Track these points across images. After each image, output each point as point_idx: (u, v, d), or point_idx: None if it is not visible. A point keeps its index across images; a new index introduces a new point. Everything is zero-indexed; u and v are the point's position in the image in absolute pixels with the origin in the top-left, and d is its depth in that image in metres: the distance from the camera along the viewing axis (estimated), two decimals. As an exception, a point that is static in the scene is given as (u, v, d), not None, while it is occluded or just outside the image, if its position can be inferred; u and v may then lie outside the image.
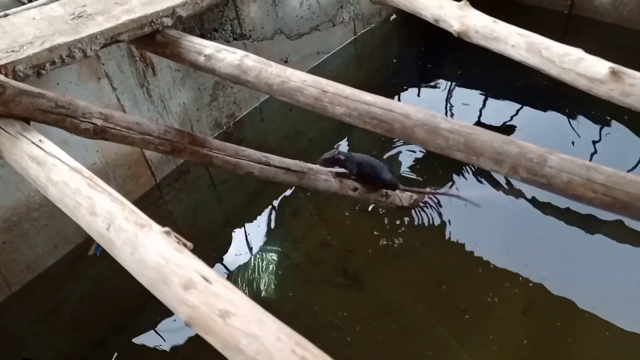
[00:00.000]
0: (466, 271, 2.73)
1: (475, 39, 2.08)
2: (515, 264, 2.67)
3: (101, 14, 2.04)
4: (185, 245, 1.33)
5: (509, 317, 2.51)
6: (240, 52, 1.99)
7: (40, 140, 1.61)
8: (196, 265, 1.23)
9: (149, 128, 1.97)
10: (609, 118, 3.46)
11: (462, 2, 2.17)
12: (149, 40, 2.12)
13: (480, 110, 3.83)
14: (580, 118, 3.53)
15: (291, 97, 1.88)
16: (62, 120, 1.77)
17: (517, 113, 3.70)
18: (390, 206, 2.93)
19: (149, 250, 1.27)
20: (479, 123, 3.65)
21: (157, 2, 2.11)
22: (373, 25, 4.65)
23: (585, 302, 2.44)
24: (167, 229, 1.34)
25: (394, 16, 4.75)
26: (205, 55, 2.02)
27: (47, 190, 1.51)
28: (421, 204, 2.99)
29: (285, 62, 3.91)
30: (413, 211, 2.97)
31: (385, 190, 2.79)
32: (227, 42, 3.42)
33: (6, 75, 1.78)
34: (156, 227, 1.33)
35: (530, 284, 2.59)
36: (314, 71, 4.16)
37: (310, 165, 2.67)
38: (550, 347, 2.36)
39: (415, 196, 2.95)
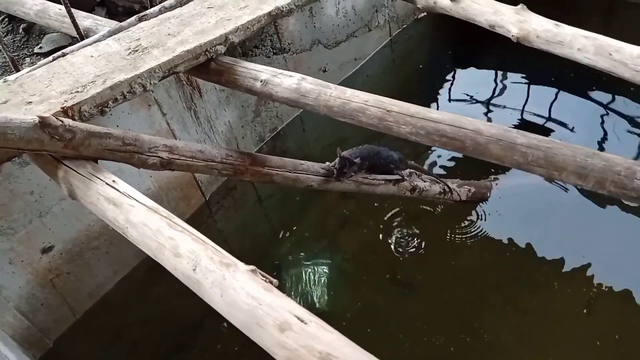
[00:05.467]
0: (524, 269, 2.65)
1: (537, 43, 2.02)
2: (573, 259, 2.60)
3: (156, 47, 2.05)
4: (271, 282, 1.32)
5: (571, 317, 2.43)
6: (297, 76, 1.97)
7: (113, 181, 1.63)
8: (288, 305, 1.21)
9: (211, 154, 1.98)
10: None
11: (519, 6, 2.10)
12: (203, 69, 2.12)
13: (523, 107, 3.73)
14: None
15: (353, 118, 1.86)
16: (130, 157, 1.78)
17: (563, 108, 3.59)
18: (449, 202, 2.86)
19: (239, 292, 1.26)
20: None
21: (209, 30, 2.11)
22: (407, 25, 4.59)
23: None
24: (252, 267, 1.33)
25: (424, 13, 4.67)
26: (261, 81, 2.00)
27: (126, 232, 1.51)
28: (481, 196, 2.91)
29: (324, 72, 3.89)
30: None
31: (444, 187, 2.72)
32: (267, 57, 3.43)
33: (72, 116, 1.81)
34: (242, 266, 1.32)
35: (593, 281, 2.51)
36: (352, 78, 4.17)
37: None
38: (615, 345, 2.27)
39: (473, 189, 2.88)
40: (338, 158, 2.28)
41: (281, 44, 3.49)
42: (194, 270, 1.34)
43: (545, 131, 3.42)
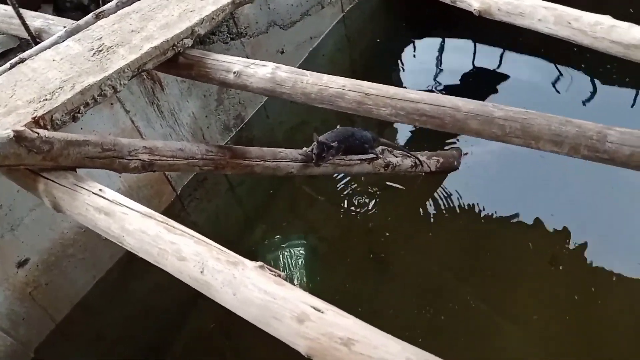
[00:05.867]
0: (494, 234, 2.78)
1: (498, 16, 2.09)
2: (538, 216, 2.73)
3: (121, 45, 1.98)
4: (279, 275, 1.35)
5: (537, 273, 2.57)
6: (270, 65, 1.97)
7: (100, 190, 1.59)
8: (302, 296, 1.25)
9: (191, 151, 1.96)
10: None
11: (478, -21, 2.15)
12: (172, 64, 2.07)
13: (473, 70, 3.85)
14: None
15: (331, 103, 1.88)
16: (110, 162, 1.74)
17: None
18: (420, 174, 2.95)
19: (251, 288, 1.28)
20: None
21: (173, 24, 2.06)
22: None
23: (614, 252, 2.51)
24: (259, 263, 1.35)
25: (374, -15, 4.69)
26: (234, 72, 1.99)
27: (122, 241, 1.50)
28: (449, 166, 3.01)
29: (282, 53, 3.86)
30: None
31: (414, 160, 2.80)
32: (225, 43, 3.36)
33: (45, 126, 1.75)
34: (249, 263, 1.35)
35: (555, 236, 2.65)
36: (310, 58, 4.17)
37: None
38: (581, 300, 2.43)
39: (441, 160, 2.98)
40: (315, 143, 2.30)
41: (238, 28, 3.43)
42: (201, 272, 1.35)
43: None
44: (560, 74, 3.59)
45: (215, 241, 1.43)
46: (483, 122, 1.64)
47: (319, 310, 1.21)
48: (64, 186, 1.63)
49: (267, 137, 3.80)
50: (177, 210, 3.36)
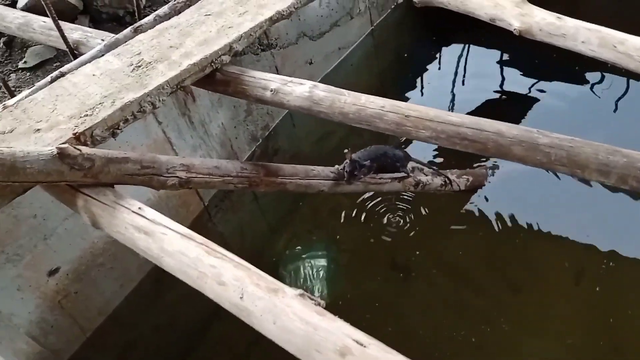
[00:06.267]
0: (514, 248, 2.73)
1: (540, 36, 2.05)
2: (559, 233, 2.69)
3: (160, 61, 1.99)
4: (319, 304, 1.33)
5: (561, 288, 2.52)
6: (308, 83, 1.96)
7: (140, 208, 1.60)
8: (345, 329, 1.23)
9: (227, 169, 1.95)
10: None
11: (519, -1, 2.12)
12: (209, 80, 2.08)
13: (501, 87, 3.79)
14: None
15: (369, 124, 1.86)
16: (149, 180, 1.75)
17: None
18: (449, 193, 2.92)
19: (292, 318, 1.27)
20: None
21: (212, 40, 2.06)
22: (388, 11, 4.57)
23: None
24: (300, 291, 1.33)
25: (402, -1, 4.66)
26: (271, 90, 1.98)
27: (161, 262, 1.49)
28: (478, 184, 2.97)
29: (311, 64, 3.86)
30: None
31: (444, 179, 2.77)
32: (255, 54, 3.36)
33: (85, 142, 1.76)
34: (289, 291, 1.33)
35: (578, 253, 2.60)
36: (337, 68, 4.15)
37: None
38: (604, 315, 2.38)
39: (471, 178, 2.94)
40: (348, 161, 2.28)
41: (268, 39, 3.43)
42: (241, 298, 1.34)
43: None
44: (597, 95, 3.51)
45: (240, 252, 1.42)
46: (527, 148, 1.60)
47: (361, 345, 1.19)
48: (104, 203, 1.64)
49: (294, 147, 3.80)
50: (204, 220, 3.37)
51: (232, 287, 1.36)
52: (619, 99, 3.41)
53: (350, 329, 1.23)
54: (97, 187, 1.69)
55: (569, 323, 2.41)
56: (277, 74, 3.56)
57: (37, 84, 1.99)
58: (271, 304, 1.30)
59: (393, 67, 4.38)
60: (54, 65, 2.52)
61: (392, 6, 4.55)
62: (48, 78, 2.02)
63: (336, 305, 2.35)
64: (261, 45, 3.40)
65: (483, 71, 4.04)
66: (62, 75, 2.02)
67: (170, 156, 1.82)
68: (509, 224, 2.84)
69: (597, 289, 2.50)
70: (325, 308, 1.33)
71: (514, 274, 2.65)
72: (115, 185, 1.78)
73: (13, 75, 2.61)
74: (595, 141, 1.61)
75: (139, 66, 1.97)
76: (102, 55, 2.10)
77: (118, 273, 2.83)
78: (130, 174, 1.70)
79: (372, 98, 1.87)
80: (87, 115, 1.78)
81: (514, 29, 2.11)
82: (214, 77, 2.07)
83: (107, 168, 1.65)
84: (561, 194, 2.93)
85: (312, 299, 1.33)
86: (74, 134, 1.73)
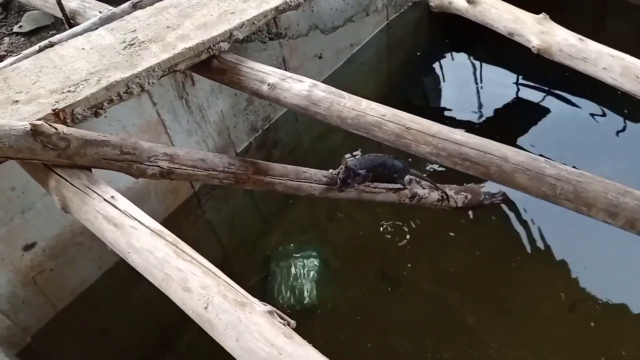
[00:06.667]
0: (509, 270, 2.65)
1: (559, 57, 1.93)
2: (558, 261, 2.61)
3: (154, 41, 1.88)
4: (288, 324, 1.23)
5: (554, 317, 2.44)
6: (307, 81, 1.85)
7: (112, 197, 1.50)
8: (311, 354, 1.13)
9: (213, 163, 1.85)
10: None
11: (541, 15, 2.00)
12: (204, 66, 1.97)
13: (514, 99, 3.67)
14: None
15: (368, 132, 1.75)
16: (128, 167, 1.65)
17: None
18: (445, 208, 2.83)
19: (257, 337, 1.17)
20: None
21: (212, 25, 1.95)
22: (405, 9, 4.43)
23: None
24: (270, 307, 1.24)
25: (423, -4, 4.51)
26: (269, 84, 1.87)
27: (128, 257, 1.40)
28: (477, 203, 2.88)
29: (320, 58, 3.74)
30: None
31: (442, 194, 2.67)
32: (262, 42, 3.24)
33: (64, 119, 1.66)
34: (258, 307, 1.23)
35: (575, 283, 2.52)
36: (347, 65, 4.03)
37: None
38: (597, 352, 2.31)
39: (470, 196, 2.84)
40: (343, 167, 2.18)
41: (277, 28, 3.31)
42: (205, 308, 1.24)
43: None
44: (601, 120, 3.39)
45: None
46: (532, 178, 1.50)
47: (327, 374, 1.10)
48: (76, 187, 1.55)
49: (293, 141, 3.70)
50: (193, 207, 3.27)
51: (198, 295, 1.26)
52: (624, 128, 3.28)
53: (316, 355, 1.14)
54: (71, 169, 1.59)
55: (561, 356, 2.32)
56: (284, 65, 3.47)
57: (24, 52, 1.89)
58: (236, 319, 1.21)
59: (403, 67, 4.25)
60: (50, 33, 2.41)
61: (410, 3, 4.40)
62: (36, 47, 1.91)
63: (315, 313, 2.24)
64: (269, 33, 3.27)
65: (494, 80, 3.92)
66: (51, 45, 1.91)
67: (153, 144, 1.71)
68: (507, 245, 2.74)
69: (592, 324, 2.41)
70: (297, 325, 1.23)
71: (507, 297, 2.55)
72: (93, 169, 1.69)
73: (6, 39, 2.50)
74: (603, 176, 1.50)
75: (132, 44, 1.87)
76: (96, 28, 2.00)
77: (97, 254, 2.73)
78: (108, 159, 1.60)
79: (373, 104, 1.76)
80: (69, 91, 1.68)
81: (533, 47, 1.99)
82: (210, 64, 1.96)
83: (84, 150, 1.55)
84: (563, 218, 2.82)
85: (282, 318, 1.23)
86: (54, 109, 1.63)
